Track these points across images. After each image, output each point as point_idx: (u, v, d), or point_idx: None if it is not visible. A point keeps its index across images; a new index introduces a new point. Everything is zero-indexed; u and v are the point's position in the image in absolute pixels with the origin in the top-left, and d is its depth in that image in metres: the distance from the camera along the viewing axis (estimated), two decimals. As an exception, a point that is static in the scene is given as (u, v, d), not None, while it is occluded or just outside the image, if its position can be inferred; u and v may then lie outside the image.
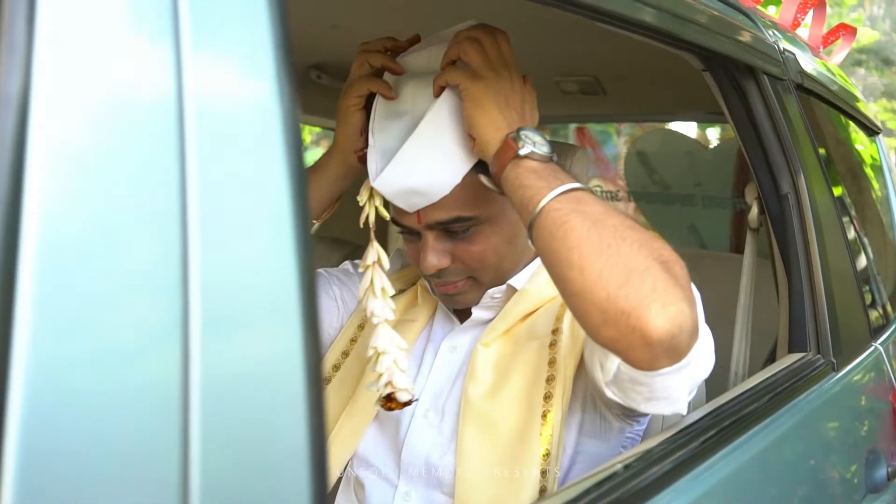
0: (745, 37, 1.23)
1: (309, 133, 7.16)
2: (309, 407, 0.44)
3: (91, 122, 0.39)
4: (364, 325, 1.15)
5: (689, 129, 4.12)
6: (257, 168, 0.45)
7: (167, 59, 0.42)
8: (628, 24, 0.94)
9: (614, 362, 0.82)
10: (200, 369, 0.40)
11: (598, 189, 3.51)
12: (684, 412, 0.85)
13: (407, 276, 1.21)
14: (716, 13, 1.12)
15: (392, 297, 1.14)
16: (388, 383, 0.95)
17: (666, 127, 2.99)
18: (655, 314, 0.71)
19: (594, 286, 0.73)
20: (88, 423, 0.37)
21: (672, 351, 0.74)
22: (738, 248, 1.47)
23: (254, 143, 0.45)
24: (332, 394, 1.12)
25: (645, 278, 0.72)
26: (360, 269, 1.01)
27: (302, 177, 0.46)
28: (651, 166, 2.81)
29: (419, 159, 0.93)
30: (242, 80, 0.45)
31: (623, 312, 0.72)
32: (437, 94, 0.93)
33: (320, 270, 1.22)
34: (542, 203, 0.79)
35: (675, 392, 0.81)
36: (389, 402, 0.96)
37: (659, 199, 2.82)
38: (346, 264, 1.24)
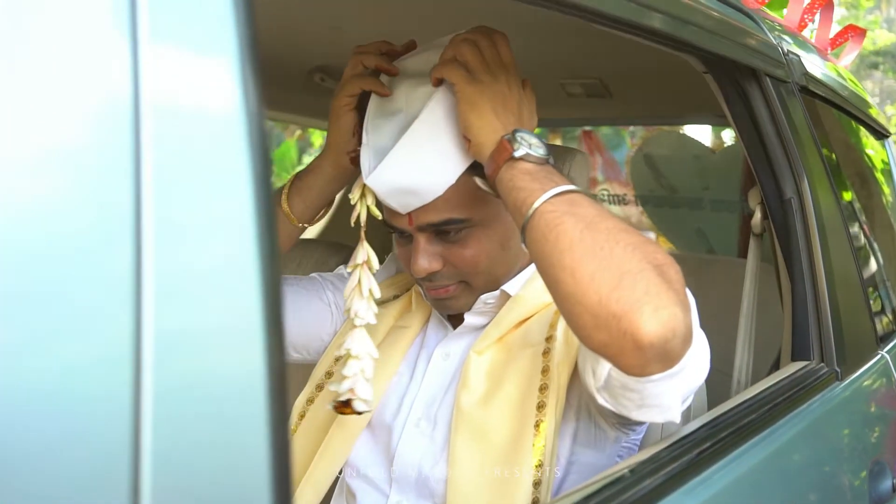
0: (747, 38, 1.20)
1: (321, 136, 7.16)
2: (271, 425, 0.42)
3: (38, 122, 0.37)
4: (357, 331, 1.14)
5: (704, 131, 4.08)
6: (219, 173, 0.43)
7: (122, 54, 0.39)
8: (627, 26, 0.92)
9: (605, 367, 0.80)
10: (153, 384, 0.38)
11: (606, 192, 3.48)
12: (677, 421, 0.83)
13: (401, 282, 1.19)
14: (716, 14, 1.10)
15: (386, 302, 1.13)
16: (351, 389, 0.93)
17: (674, 130, 2.96)
18: (647, 318, 0.69)
19: (586, 289, 0.72)
20: (31, 441, 0.35)
21: (664, 356, 0.72)
22: (747, 253, 1.45)
23: (215, 146, 0.43)
24: (325, 400, 1.10)
25: (637, 281, 0.71)
26: (348, 269, 0.99)
27: (268, 182, 0.44)
28: (658, 169, 2.78)
29: (413, 158, 0.91)
30: (204, 79, 0.43)
31: (614, 316, 0.70)
32: (436, 85, 0.91)
33: (314, 275, 1.20)
34: (536, 205, 0.78)
35: (667, 399, 0.79)
36: (345, 407, 0.94)
37: (666, 202, 2.79)
38: (341, 269, 1.22)
